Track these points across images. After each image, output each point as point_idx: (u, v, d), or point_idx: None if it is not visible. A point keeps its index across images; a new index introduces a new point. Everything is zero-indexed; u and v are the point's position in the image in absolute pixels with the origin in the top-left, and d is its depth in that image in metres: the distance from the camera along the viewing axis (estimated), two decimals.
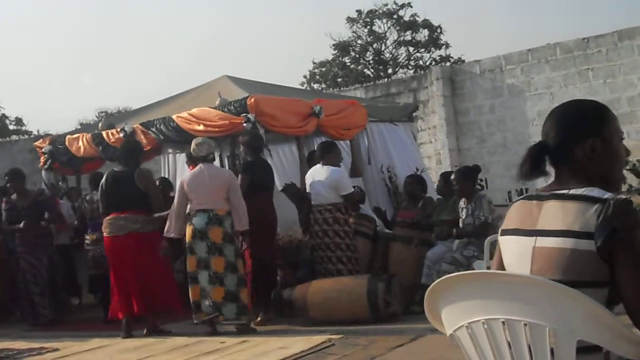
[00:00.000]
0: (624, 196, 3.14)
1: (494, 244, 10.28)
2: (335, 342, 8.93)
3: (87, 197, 12.65)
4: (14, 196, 13.01)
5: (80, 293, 15.22)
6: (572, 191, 3.21)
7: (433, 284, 3.28)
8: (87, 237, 12.58)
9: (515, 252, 3.33)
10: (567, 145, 3.30)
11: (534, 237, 3.23)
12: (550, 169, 3.37)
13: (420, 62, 41.33)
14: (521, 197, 3.46)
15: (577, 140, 3.29)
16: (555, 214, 3.19)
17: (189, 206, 10.45)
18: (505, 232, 3.41)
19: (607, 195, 3.13)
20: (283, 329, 10.27)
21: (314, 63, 42.96)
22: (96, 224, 12.25)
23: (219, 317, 10.25)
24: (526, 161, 3.37)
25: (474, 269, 10.09)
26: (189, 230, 10.33)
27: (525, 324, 3.01)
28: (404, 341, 8.75)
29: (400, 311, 10.43)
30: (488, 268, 9.69)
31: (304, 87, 36.95)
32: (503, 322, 3.06)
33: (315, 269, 11.31)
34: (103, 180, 11.05)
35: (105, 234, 10.91)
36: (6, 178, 13.23)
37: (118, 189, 10.84)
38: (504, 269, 3.41)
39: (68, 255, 14.45)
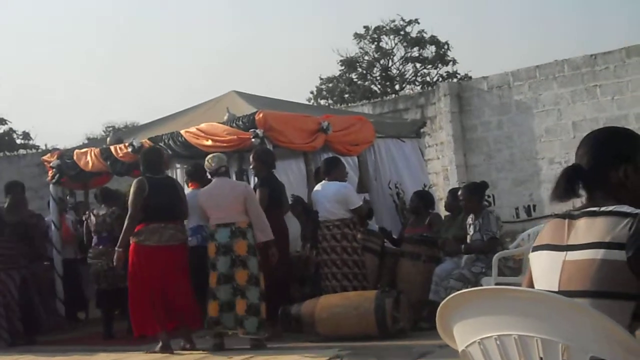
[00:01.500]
0: None
1: (502, 260, 10.33)
2: (344, 358, 8.90)
3: (94, 211, 12.62)
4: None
5: (87, 307, 15.22)
6: (603, 208, 3.27)
7: (445, 299, 3.27)
8: (90, 250, 12.54)
9: (544, 266, 3.39)
10: (600, 170, 3.39)
11: (565, 252, 3.29)
12: (582, 192, 3.46)
13: (427, 79, 41.31)
14: (555, 215, 3.51)
15: (610, 165, 3.39)
16: (587, 229, 3.26)
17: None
18: (537, 248, 3.47)
19: (637, 210, 3.19)
20: (290, 346, 10.23)
21: (320, 79, 42.98)
22: (102, 237, 12.25)
23: (240, 331, 10.14)
24: (560, 183, 3.44)
25: (482, 286, 10.09)
26: (211, 246, 10.27)
27: (538, 340, 3.01)
28: (413, 358, 8.73)
29: (408, 327, 10.39)
30: (496, 284, 9.75)
31: (310, 103, 36.96)
32: (516, 338, 3.06)
33: (321, 285, 11.29)
34: (136, 185, 10.45)
35: (146, 243, 10.30)
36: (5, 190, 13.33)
37: (162, 196, 10.42)
38: (533, 286, 3.44)
39: (74, 270, 14.48)
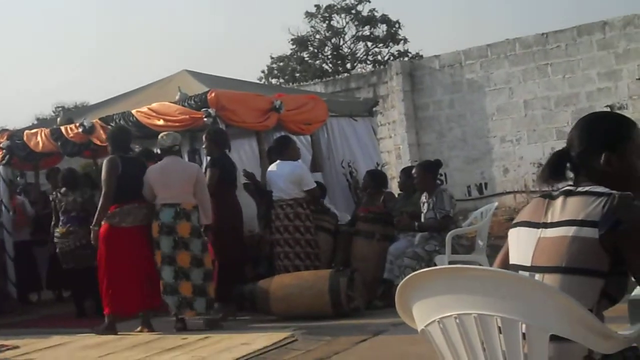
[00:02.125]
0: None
1: (456, 238, 10.39)
2: (298, 338, 8.88)
3: (62, 191, 12.44)
4: None
5: (40, 289, 15.11)
6: (580, 188, 3.33)
7: (405, 279, 3.26)
8: (57, 230, 12.39)
9: (520, 242, 3.43)
10: (585, 155, 3.43)
11: (541, 229, 3.34)
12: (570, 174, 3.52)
13: (379, 57, 41.38)
14: (539, 195, 3.54)
15: (595, 151, 3.41)
16: (562, 207, 3.31)
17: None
18: (515, 225, 3.53)
19: (613, 191, 3.23)
20: (245, 325, 10.22)
21: (272, 58, 42.91)
22: (71, 217, 12.13)
23: (189, 313, 10.14)
24: (546, 167, 3.53)
25: (435, 264, 10.14)
26: (155, 225, 10.20)
27: (498, 319, 3.01)
28: (367, 336, 8.74)
29: (362, 306, 10.40)
30: (450, 263, 9.80)
31: (262, 82, 36.86)
32: (475, 317, 3.05)
33: (275, 264, 11.28)
34: (109, 164, 10.29)
35: (122, 225, 10.23)
36: None
37: (133, 176, 10.32)
38: (507, 261, 3.49)
39: (29, 251, 14.35)
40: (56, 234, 12.32)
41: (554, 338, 2.98)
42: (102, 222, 10.28)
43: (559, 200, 3.34)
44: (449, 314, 3.12)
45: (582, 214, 3.20)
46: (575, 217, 3.22)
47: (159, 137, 10.54)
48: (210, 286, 10.21)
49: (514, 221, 3.54)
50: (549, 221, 3.32)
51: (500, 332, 3.02)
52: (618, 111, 16.90)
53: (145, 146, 13.15)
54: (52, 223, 12.55)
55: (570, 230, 3.20)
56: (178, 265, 10.10)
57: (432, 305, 3.19)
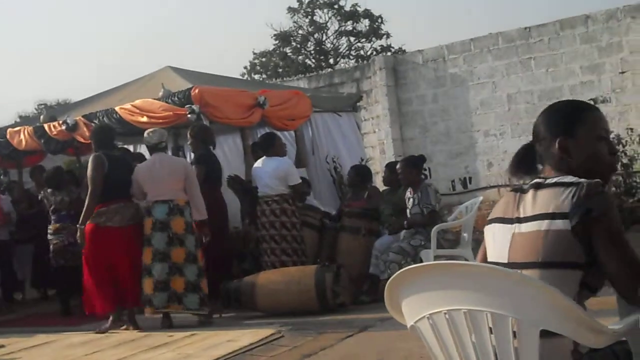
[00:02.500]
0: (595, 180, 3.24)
1: (441, 233, 10.40)
2: (285, 334, 8.88)
3: (49, 191, 12.41)
4: None
5: (23, 288, 15.06)
6: (548, 180, 3.33)
7: (394, 274, 3.25)
8: (50, 227, 12.32)
9: (496, 239, 3.43)
10: (547, 145, 3.45)
11: (514, 225, 3.34)
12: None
13: (362, 52, 41.41)
14: (510, 189, 3.55)
15: (552, 139, 3.43)
16: (533, 201, 3.31)
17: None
18: (489, 222, 3.53)
19: (582, 180, 3.22)
20: (231, 322, 10.21)
21: (254, 53, 42.90)
22: (61, 216, 12.10)
23: (178, 307, 10.12)
24: (514, 159, 3.59)
25: (421, 258, 10.16)
26: (147, 222, 10.17)
27: (488, 314, 3.00)
28: (354, 332, 8.73)
29: (348, 302, 10.42)
30: (435, 257, 9.81)
31: (244, 78, 36.82)
32: (465, 313, 3.05)
33: (260, 260, 11.27)
34: (95, 161, 10.19)
35: (108, 224, 10.16)
36: None
37: (120, 173, 10.30)
38: (486, 259, 3.49)
39: (7, 251, 14.29)
40: (49, 230, 12.27)
41: (543, 333, 2.97)
42: (88, 221, 10.19)
43: (530, 193, 3.34)
44: (438, 310, 3.12)
45: (552, 206, 3.21)
46: (546, 210, 3.22)
47: (145, 134, 10.50)
48: (203, 283, 10.16)
49: (488, 218, 3.55)
50: (522, 216, 3.32)
51: (490, 328, 3.01)
52: (601, 105, 16.90)
53: (122, 146, 13.12)
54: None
55: (542, 224, 3.21)
56: (172, 261, 10.06)
57: (422, 301, 3.18)
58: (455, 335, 3.10)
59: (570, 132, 3.40)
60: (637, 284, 3.14)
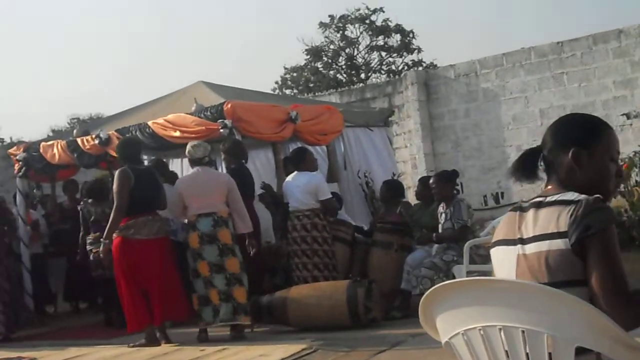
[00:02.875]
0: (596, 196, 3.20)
1: (473, 248, 10.32)
2: (316, 349, 8.84)
3: (89, 202, 12.48)
4: None
5: (55, 301, 15.15)
6: (549, 198, 3.29)
7: (429, 290, 3.24)
8: (89, 237, 12.30)
9: (502, 262, 3.39)
10: (557, 152, 3.39)
11: (518, 246, 3.30)
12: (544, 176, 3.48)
13: (393, 67, 41.41)
14: (510, 209, 3.51)
15: (565, 148, 3.37)
16: (534, 221, 3.27)
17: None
18: (494, 244, 3.48)
19: (581, 197, 3.19)
20: (263, 337, 10.19)
21: (285, 68, 42.98)
22: (102, 226, 12.10)
23: (246, 319, 10.18)
24: (517, 160, 3.52)
25: (453, 274, 10.11)
26: (193, 236, 10.17)
27: (523, 331, 2.98)
28: (386, 347, 8.68)
29: (380, 317, 10.37)
30: (468, 273, 9.76)
31: (276, 93, 36.90)
32: (500, 329, 3.03)
33: (291, 275, 11.26)
34: (122, 175, 10.12)
35: (136, 237, 10.10)
36: None
37: (147, 186, 10.23)
38: None
39: (41, 264, 14.39)
40: (89, 240, 12.21)
41: (577, 350, 2.94)
42: (115, 235, 10.13)
43: (530, 213, 3.31)
44: (473, 326, 3.10)
45: (551, 226, 3.18)
46: (545, 231, 3.19)
47: (188, 147, 10.49)
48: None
49: (493, 240, 3.51)
50: (524, 236, 3.29)
51: (525, 345, 2.99)
52: (634, 119, 16.86)
53: (157, 157, 13.15)
54: (81, 233, 12.55)
55: (544, 245, 3.18)
56: (229, 272, 10.08)
57: (457, 317, 3.17)
58: (490, 352, 3.08)
59: (585, 145, 3.36)
60: (616, 302, 3.04)
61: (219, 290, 10.09)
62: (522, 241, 3.28)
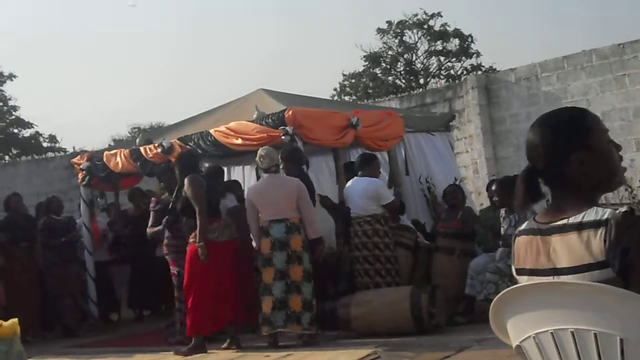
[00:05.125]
0: (623, 209, 3.02)
1: None
2: (381, 355, 8.86)
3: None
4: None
5: (119, 309, 15.30)
6: (571, 219, 3.11)
7: (500, 293, 3.21)
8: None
9: None
10: (556, 166, 3.20)
11: (552, 277, 3.15)
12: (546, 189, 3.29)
13: (452, 72, 41.34)
14: (519, 232, 3.34)
15: (563, 158, 3.17)
16: (564, 249, 3.11)
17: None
18: (520, 272, 3.32)
19: (607, 214, 3.03)
20: (327, 343, 10.19)
21: (343, 75, 43.05)
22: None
23: (297, 327, 10.13)
24: (519, 191, 3.30)
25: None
26: (266, 242, 10.24)
27: (595, 334, 2.95)
28: (450, 353, 8.66)
29: (444, 322, 10.35)
30: None
31: (335, 100, 36.96)
32: (572, 332, 3.00)
33: (354, 281, 11.25)
34: (195, 181, 10.25)
35: (220, 239, 10.33)
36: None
37: (212, 195, 10.50)
38: None
39: (106, 272, 14.55)
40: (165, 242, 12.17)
41: None
42: (194, 240, 10.19)
43: (557, 239, 3.14)
44: (544, 329, 3.07)
45: (586, 256, 3.03)
46: (582, 262, 3.04)
47: (258, 156, 10.56)
48: (314, 302, 10.22)
49: (516, 266, 3.33)
50: (557, 266, 3.13)
51: (597, 347, 2.97)
52: None
53: (216, 164, 13.17)
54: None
55: (584, 277, 3.04)
56: (291, 279, 10.11)
57: (528, 320, 3.14)
58: (562, 355, 3.06)
59: (583, 145, 3.16)
60: None
61: (274, 298, 10.12)
62: (557, 271, 3.13)
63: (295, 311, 10.08)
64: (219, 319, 10.33)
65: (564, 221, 3.13)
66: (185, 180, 10.34)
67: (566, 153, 3.15)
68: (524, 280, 3.29)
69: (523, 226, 3.32)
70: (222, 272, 10.29)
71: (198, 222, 10.16)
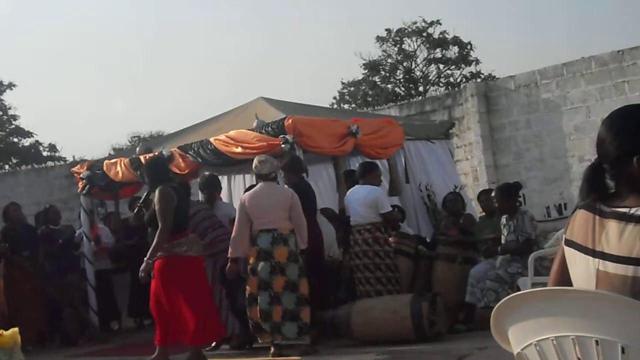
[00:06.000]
0: None
1: (538, 260, 10.23)
2: None
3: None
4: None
5: (120, 317, 15.29)
6: (633, 210, 3.09)
7: (501, 301, 3.21)
8: None
9: (581, 270, 3.23)
10: (621, 163, 3.19)
11: (598, 260, 3.13)
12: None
13: (451, 79, 41.37)
14: (583, 205, 3.29)
15: (628, 156, 3.17)
16: (618, 236, 3.09)
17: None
18: (570, 244, 3.29)
19: None
20: (327, 351, 10.18)
21: (343, 83, 43.13)
22: None
23: (278, 337, 10.06)
24: (585, 183, 3.29)
25: (518, 286, 10.03)
26: (252, 251, 10.19)
27: (597, 341, 2.95)
28: None
29: (444, 330, 10.34)
30: (533, 285, 9.69)
31: (334, 108, 37.00)
32: (573, 339, 3.00)
33: (355, 290, 11.24)
34: (165, 194, 9.79)
35: (189, 254, 9.90)
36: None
37: (185, 205, 10.23)
38: (566, 274, 3.34)
39: (107, 281, 14.55)
40: None
41: None
42: (162, 253, 9.87)
43: (614, 225, 3.11)
44: (546, 337, 3.07)
45: (636, 249, 3.01)
46: (631, 254, 3.02)
47: (255, 162, 10.51)
48: (304, 312, 10.06)
49: (566, 236, 3.32)
50: (605, 251, 3.10)
51: (598, 355, 2.96)
52: None
53: (212, 172, 13.12)
54: None
55: (629, 270, 3.02)
56: (274, 291, 10.05)
57: (529, 327, 3.13)
58: None
59: None
60: None
61: (260, 308, 10.06)
62: (603, 255, 3.11)
63: (276, 322, 10.02)
64: (180, 334, 9.99)
65: (626, 209, 3.12)
66: (156, 193, 9.94)
67: (628, 154, 3.16)
68: (569, 252, 3.29)
69: (587, 201, 3.29)
70: (191, 286, 9.88)
71: (156, 239, 9.78)
